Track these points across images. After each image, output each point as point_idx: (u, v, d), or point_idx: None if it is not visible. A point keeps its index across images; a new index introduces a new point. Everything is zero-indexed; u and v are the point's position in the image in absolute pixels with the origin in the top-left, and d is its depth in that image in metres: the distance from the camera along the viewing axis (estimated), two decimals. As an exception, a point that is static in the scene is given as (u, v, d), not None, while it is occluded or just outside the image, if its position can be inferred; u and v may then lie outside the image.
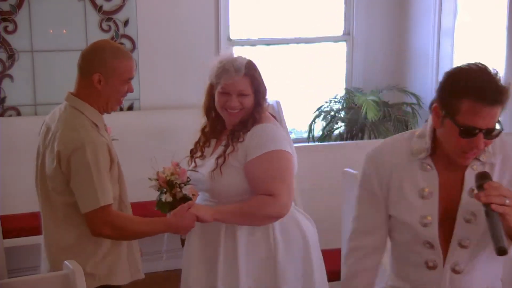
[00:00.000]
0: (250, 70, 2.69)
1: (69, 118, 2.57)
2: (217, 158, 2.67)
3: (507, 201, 1.88)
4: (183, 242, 2.78)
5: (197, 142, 2.85)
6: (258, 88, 2.70)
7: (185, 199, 2.68)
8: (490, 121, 1.94)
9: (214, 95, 2.73)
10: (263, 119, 2.70)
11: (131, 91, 2.67)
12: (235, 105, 2.66)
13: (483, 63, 1.98)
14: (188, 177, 2.69)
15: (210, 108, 2.79)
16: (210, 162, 2.70)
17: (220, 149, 2.71)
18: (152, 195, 2.81)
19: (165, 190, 2.67)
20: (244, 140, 2.65)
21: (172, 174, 2.64)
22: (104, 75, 2.57)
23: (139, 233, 2.63)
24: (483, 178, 1.96)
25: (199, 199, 2.78)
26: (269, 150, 2.61)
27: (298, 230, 2.75)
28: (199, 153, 2.80)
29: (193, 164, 2.80)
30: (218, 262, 2.68)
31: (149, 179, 2.68)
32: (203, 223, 2.65)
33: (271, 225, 2.69)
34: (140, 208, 3.04)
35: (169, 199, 2.65)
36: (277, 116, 2.85)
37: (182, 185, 2.67)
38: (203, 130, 2.83)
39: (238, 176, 2.64)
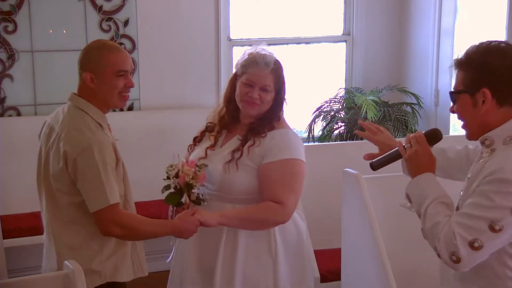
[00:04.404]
0: (278, 68, 2.70)
1: (74, 119, 2.55)
2: (234, 151, 2.66)
3: (407, 145, 2.12)
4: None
5: (203, 131, 2.83)
6: (280, 87, 2.71)
7: (198, 200, 2.67)
8: (455, 84, 2.08)
9: (235, 86, 2.72)
10: (284, 124, 2.71)
11: (131, 85, 2.61)
12: (255, 96, 2.65)
13: (509, 43, 2.06)
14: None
15: (230, 98, 2.76)
16: (222, 155, 2.69)
17: (235, 142, 2.69)
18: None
19: (173, 184, 2.65)
20: (265, 137, 2.65)
21: (192, 178, 2.61)
22: (94, 72, 2.55)
23: (146, 234, 2.62)
24: (429, 131, 2.17)
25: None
26: (288, 157, 2.62)
27: (294, 225, 2.76)
28: (210, 142, 2.76)
29: (199, 152, 2.76)
30: (215, 269, 2.67)
31: (167, 173, 2.65)
32: (203, 229, 2.64)
33: None
34: (140, 208, 3.03)
35: (186, 199, 2.66)
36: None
37: (199, 188, 2.66)
38: (221, 118, 2.78)
39: (251, 175, 2.64)
